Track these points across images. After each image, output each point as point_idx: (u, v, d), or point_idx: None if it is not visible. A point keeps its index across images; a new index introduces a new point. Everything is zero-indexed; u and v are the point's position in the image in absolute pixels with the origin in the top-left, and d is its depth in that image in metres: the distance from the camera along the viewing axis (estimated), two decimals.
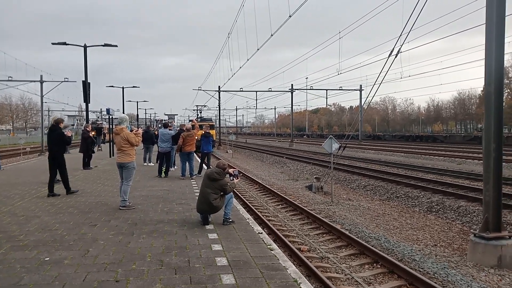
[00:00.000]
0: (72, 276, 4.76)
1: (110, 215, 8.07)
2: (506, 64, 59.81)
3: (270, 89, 54.67)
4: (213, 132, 41.28)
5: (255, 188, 17.10)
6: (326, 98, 54.34)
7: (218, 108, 54.65)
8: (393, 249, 8.38)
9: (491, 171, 7.89)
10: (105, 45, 23.77)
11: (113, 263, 5.23)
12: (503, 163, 8.48)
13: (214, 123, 47.07)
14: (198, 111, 58.09)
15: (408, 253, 8.13)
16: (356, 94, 55.00)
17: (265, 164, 30.24)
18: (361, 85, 54.18)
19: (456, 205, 12.28)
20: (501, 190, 8.02)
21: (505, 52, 8.04)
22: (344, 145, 15.61)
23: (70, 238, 6.41)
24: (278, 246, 7.13)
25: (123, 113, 41.11)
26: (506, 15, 7.93)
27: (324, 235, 9.61)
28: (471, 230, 8.56)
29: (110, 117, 24.46)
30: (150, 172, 15.65)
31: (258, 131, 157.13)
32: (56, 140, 10.27)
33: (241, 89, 52.99)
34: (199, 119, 46.37)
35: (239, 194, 14.37)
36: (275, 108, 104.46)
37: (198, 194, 7.78)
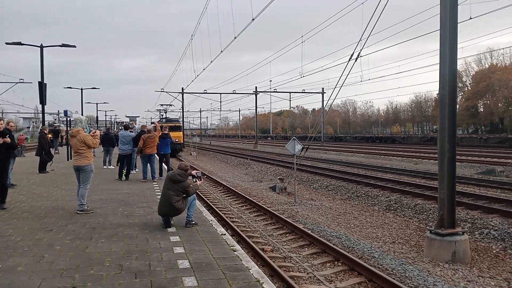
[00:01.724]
0: (25, 283, 4.56)
1: (67, 220, 7.80)
2: (459, 68, 62.76)
3: (234, 92, 54.76)
4: (180, 134, 38.49)
5: (219, 190, 17.02)
6: (290, 100, 55.10)
7: (181, 110, 54.03)
8: (354, 247, 8.58)
9: (446, 170, 8.23)
10: (63, 45, 22.95)
11: (70, 268, 5.05)
12: (457, 163, 8.86)
13: (181, 124, 43.25)
14: (163, 111, 53.88)
15: (368, 250, 8.35)
16: (318, 96, 56.04)
17: (230, 166, 30.19)
18: (323, 88, 55.22)
19: (413, 203, 12.73)
20: (454, 189, 8.38)
21: (458, 57, 8.43)
22: (307, 146, 15.84)
23: (24, 244, 6.14)
24: (241, 247, 7.11)
25: (82, 115, 39.83)
26: (458, 22, 8.32)
27: (287, 235, 9.70)
28: (427, 227, 8.89)
29: (68, 119, 23.64)
30: (110, 175, 15.24)
31: (222, 133, 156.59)
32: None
33: (205, 91, 52.75)
34: (164, 120, 43.61)
35: (203, 196, 14.26)
36: (239, 110, 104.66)
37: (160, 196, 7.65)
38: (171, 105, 54.49)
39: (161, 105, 54.20)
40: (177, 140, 35.54)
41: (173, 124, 37.75)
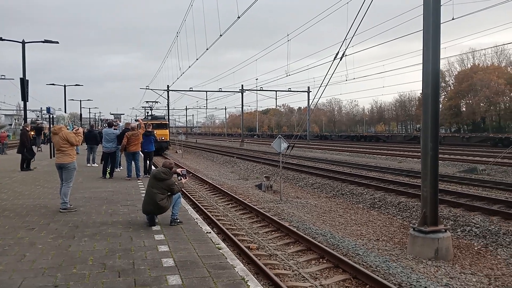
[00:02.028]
0: (6, 282, 4.47)
1: (49, 218, 7.67)
2: (442, 68, 63.69)
3: (220, 89, 54.54)
4: (166, 132, 37.41)
5: (205, 188, 16.97)
6: (276, 99, 55.12)
7: (167, 108, 53.64)
8: (339, 245, 8.64)
9: (429, 168, 8.35)
10: (45, 41, 22.55)
11: (52, 267, 4.97)
12: (440, 161, 9.00)
13: (167, 122, 41.55)
14: (149, 108, 52.04)
15: (352, 247, 8.42)
16: (304, 95, 56.21)
17: (216, 164, 30.11)
18: (308, 87, 55.45)
19: (397, 201, 12.88)
20: (437, 187, 8.51)
21: (441, 57, 8.55)
22: (293, 144, 15.89)
23: (5, 242, 6.02)
24: (227, 245, 7.10)
25: (65, 112, 39.12)
26: (441, 22, 8.43)
27: (273, 232, 9.72)
28: (411, 225, 9.00)
29: (51, 116, 23.27)
30: (94, 173, 15.05)
31: (208, 131, 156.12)
32: None
33: (191, 89, 52.40)
34: (149, 117, 42.06)
35: (188, 194, 14.20)
36: (225, 108, 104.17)
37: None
38: (157, 102, 53.27)
39: (147, 102, 52.42)
40: (163, 138, 34.65)
41: (159, 122, 36.90)
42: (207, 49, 24.95)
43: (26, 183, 12.44)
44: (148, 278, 4.67)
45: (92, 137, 17.75)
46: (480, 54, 64.66)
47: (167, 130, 38.37)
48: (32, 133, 25.60)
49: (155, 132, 28.02)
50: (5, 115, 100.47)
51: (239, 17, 18.07)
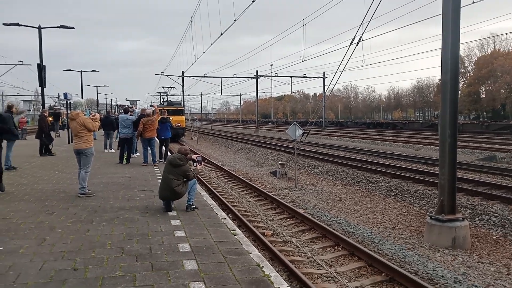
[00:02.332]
0: (27, 265, 4.58)
1: (69, 203, 7.82)
2: (461, 53, 62.25)
3: (235, 75, 54.42)
4: (182, 118, 36.11)
5: (220, 175, 17.05)
6: (291, 85, 54.88)
7: (182, 94, 53.80)
8: (354, 232, 8.61)
9: (446, 156, 8.22)
10: (61, 26, 22.67)
11: (71, 251, 5.07)
12: (458, 149, 8.84)
13: (183, 108, 39.74)
14: (164, 93, 49.45)
15: (368, 235, 8.38)
16: (319, 81, 56.03)
17: (230, 150, 30.20)
18: (324, 73, 54.83)
19: (414, 189, 12.74)
20: (455, 175, 8.38)
21: (460, 42, 8.33)
22: (308, 131, 15.80)
23: (25, 226, 6.16)
24: (242, 231, 7.15)
25: (82, 98, 39.56)
26: (461, 6, 8.19)
27: (288, 219, 9.74)
28: (428, 213, 8.91)
29: (68, 102, 23.54)
30: (111, 158, 15.25)
31: (223, 118, 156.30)
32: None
33: (206, 75, 52.42)
34: (165, 103, 40.43)
35: (204, 181, 14.29)
36: (240, 95, 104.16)
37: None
38: (172, 87, 50.17)
39: (162, 87, 50.06)
40: (179, 124, 33.91)
41: (175, 108, 35.70)
42: (222, 34, 24.90)
43: (45, 168, 12.68)
44: (165, 262, 4.73)
45: (108, 123, 17.95)
46: (501, 39, 62.93)
47: (183, 117, 37.11)
48: (50, 118, 26.02)
49: (170, 118, 28.00)
50: (23, 100, 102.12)
51: (253, 1, 17.90)
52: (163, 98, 49.17)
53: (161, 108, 28.51)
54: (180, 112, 36.33)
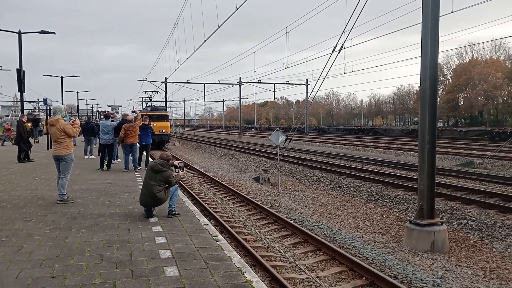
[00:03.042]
0: (3, 273, 4.48)
1: (47, 210, 7.67)
2: (440, 61, 63.62)
3: (218, 82, 54.35)
4: (167, 124, 34.52)
5: (203, 181, 16.98)
6: (274, 91, 55.08)
7: (164, 100, 53.44)
8: (335, 237, 8.68)
9: (426, 161, 8.37)
10: (42, 32, 22.34)
11: (49, 258, 4.98)
12: (437, 155, 9.02)
13: (168, 113, 37.68)
14: (148, 98, 45.63)
15: (349, 240, 8.46)
16: (302, 88, 56.18)
17: (213, 156, 30.10)
18: (307, 80, 55.39)
19: (394, 194, 12.92)
20: (434, 180, 8.53)
21: (439, 50, 8.53)
22: (290, 137, 15.88)
23: (2, 234, 6.02)
24: (224, 237, 7.13)
25: (62, 103, 38.90)
26: (440, 15, 8.40)
27: (270, 225, 9.75)
28: (407, 218, 9.05)
29: (48, 107, 23.15)
30: (92, 165, 15.04)
31: (206, 124, 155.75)
32: None
33: (189, 81, 52.24)
34: (149, 108, 38.31)
35: (186, 187, 14.21)
36: (223, 101, 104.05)
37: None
38: (156, 91, 46.69)
39: (146, 91, 46.41)
40: (163, 130, 32.47)
41: (159, 113, 34.28)
42: (205, 40, 24.84)
43: (23, 175, 12.42)
44: (146, 269, 4.68)
45: (89, 129, 17.71)
46: (479, 48, 64.54)
47: (168, 122, 35.22)
48: (29, 124, 25.53)
49: (154, 124, 27.34)
50: (2, 106, 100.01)
51: (237, 9, 17.97)
52: (147, 103, 46.65)
53: (144, 114, 27.53)
54: (164, 118, 34.80)
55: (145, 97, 49.35)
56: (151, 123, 26.08)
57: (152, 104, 43.83)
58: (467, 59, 66.94)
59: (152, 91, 45.82)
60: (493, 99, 61.22)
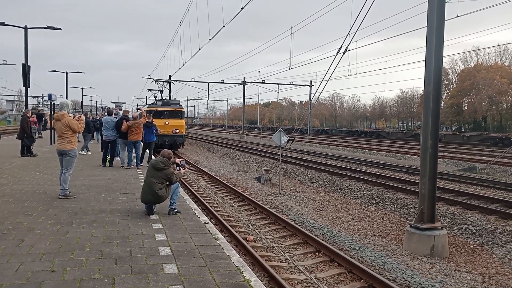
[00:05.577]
0: (4, 266, 4.51)
1: (49, 204, 7.71)
2: (445, 66, 63.49)
3: (222, 81, 54.29)
4: (182, 122, 27.19)
5: (204, 179, 17.00)
6: (278, 92, 54.98)
7: (168, 98, 53.40)
8: (335, 239, 8.69)
9: (427, 166, 8.36)
10: (48, 27, 22.41)
11: (49, 253, 5.01)
12: (439, 159, 9.01)
13: (183, 109, 28.85)
14: (158, 91, 39.06)
15: (349, 242, 8.47)
16: (306, 89, 56.29)
17: (216, 155, 30.13)
18: (311, 81, 55.21)
19: (395, 197, 12.91)
20: (435, 184, 8.53)
21: (444, 55, 8.52)
22: (293, 138, 15.88)
23: (3, 227, 6.06)
24: (224, 236, 7.15)
25: (67, 99, 38.94)
26: (445, 19, 8.39)
27: (271, 225, 9.76)
28: (408, 221, 9.03)
29: (52, 103, 23.23)
30: (94, 161, 15.09)
31: (209, 123, 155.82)
32: None
33: (193, 80, 52.26)
34: (159, 102, 30.06)
35: (187, 185, 14.24)
36: (227, 100, 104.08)
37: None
38: (161, 91, 40.17)
39: (149, 90, 42.28)
40: (177, 130, 26.16)
41: (173, 109, 27.11)
42: (210, 39, 24.89)
43: (26, 169, 12.47)
44: (145, 266, 4.71)
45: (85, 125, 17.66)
46: (484, 53, 64.36)
47: (183, 121, 27.78)
48: (33, 119, 25.58)
49: (166, 122, 26.25)
50: (6, 100, 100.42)
51: (242, 8, 17.99)
52: (155, 97, 39.68)
53: (154, 109, 25.56)
54: (179, 115, 27.44)
55: (155, 90, 42.48)
56: (163, 121, 25.42)
57: (164, 98, 36.63)
58: (472, 64, 66.76)
59: (156, 90, 41.45)
60: (497, 104, 61.03)
